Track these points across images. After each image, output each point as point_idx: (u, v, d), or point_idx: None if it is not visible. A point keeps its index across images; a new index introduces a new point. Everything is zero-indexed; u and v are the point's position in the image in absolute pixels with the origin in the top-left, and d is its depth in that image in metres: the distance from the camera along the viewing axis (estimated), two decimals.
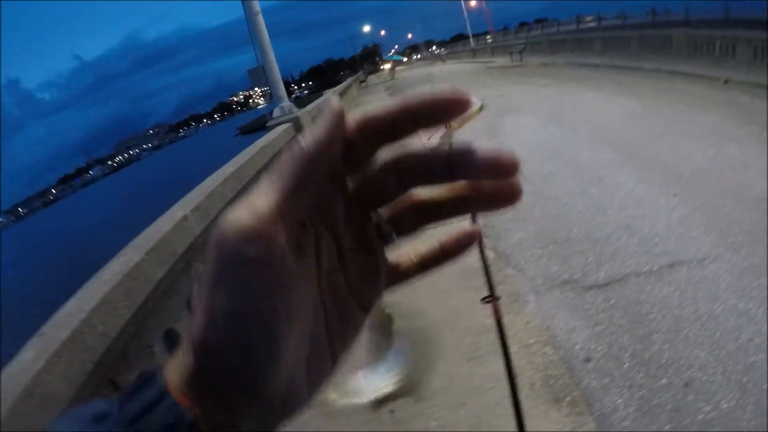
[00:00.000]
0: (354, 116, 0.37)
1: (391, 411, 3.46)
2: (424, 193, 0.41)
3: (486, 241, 5.57)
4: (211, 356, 0.33)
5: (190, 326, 0.34)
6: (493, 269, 4.80)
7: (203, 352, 0.33)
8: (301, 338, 0.36)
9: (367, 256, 0.42)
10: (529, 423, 3.12)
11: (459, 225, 0.44)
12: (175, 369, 0.34)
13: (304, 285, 0.35)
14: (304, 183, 0.33)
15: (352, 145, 0.37)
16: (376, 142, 0.38)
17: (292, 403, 0.36)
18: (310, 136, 0.34)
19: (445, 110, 0.37)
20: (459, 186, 0.40)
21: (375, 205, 0.41)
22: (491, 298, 2.70)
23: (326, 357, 0.40)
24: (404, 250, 0.44)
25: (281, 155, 0.36)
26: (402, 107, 0.37)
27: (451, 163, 0.38)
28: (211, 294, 0.32)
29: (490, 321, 3.98)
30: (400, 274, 0.44)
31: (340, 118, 0.35)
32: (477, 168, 0.38)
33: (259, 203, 0.32)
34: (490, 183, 0.40)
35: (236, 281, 0.32)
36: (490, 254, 5.14)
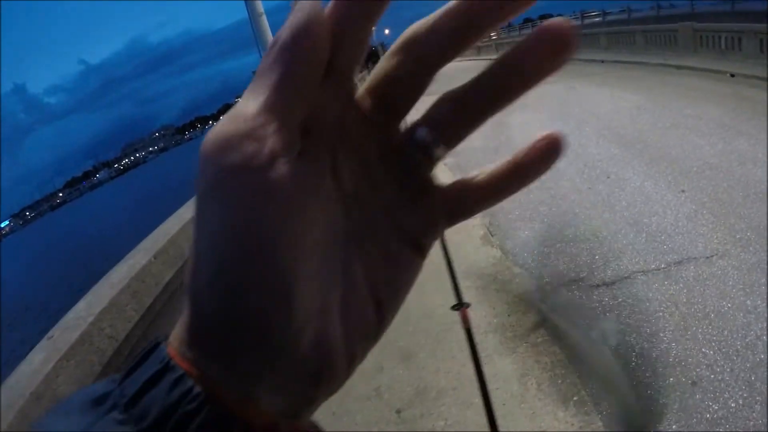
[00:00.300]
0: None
1: (398, 411, 3.46)
2: (458, 88, 0.32)
3: (492, 240, 5.57)
4: (205, 303, 0.27)
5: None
6: (499, 268, 4.83)
7: (196, 299, 0.28)
8: (324, 277, 0.29)
9: (407, 176, 0.33)
10: (536, 422, 3.14)
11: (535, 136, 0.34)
12: (177, 333, 0.29)
13: (312, 201, 0.28)
14: (293, 73, 0.27)
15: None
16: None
17: (326, 366, 0.29)
18: (296, 19, 0.27)
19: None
20: (502, 58, 0.31)
21: (400, 107, 0.33)
22: (460, 305, 2.70)
23: (368, 306, 0.32)
24: (468, 173, 0.35)
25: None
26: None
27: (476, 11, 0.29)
28: (198, 221, 0.27)
29: (498, 320, 4.03)
30: (464, 203, 0.35)
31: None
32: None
33: (243, 106, 0.27)
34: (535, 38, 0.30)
35: (220, 197, 0.26)
36: (497, 253, 5.15)
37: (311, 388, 0.29)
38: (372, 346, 0.34)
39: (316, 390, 0.30)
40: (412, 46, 0.31)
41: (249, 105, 0.27)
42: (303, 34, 0.27)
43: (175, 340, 0.28)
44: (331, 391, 0.31)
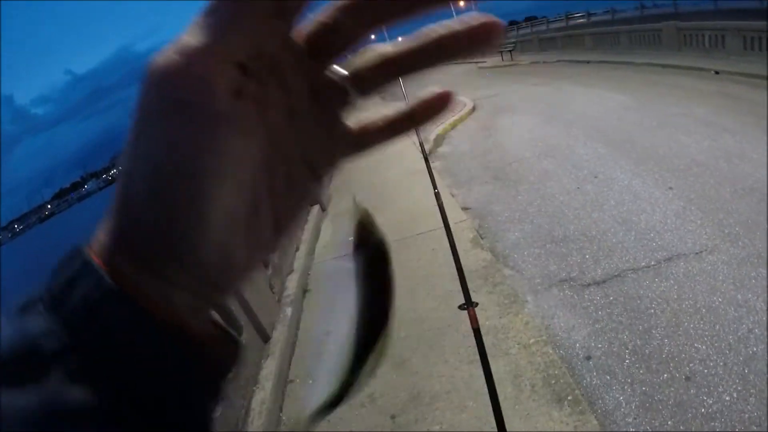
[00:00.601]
0: None
1: (393, 417, 3.45)
2: (387, 46, 0.35)
3: (482, 242, 5.57)
4: (133, 212, 0.30)
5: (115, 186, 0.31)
6: (490, 270, 4.83)
7: (124, 208, 0.31)
8: (237, 198, 0.32)
9: (322, 115, 0.37)
10: (531, 423, 3.14)
11: (428, 89, 0.38)
12: (100, 237, 0.32)
13: (243, 137, 0.31)
14: (241, 14, 0.29)
15: None
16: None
17: (228, 273, 0.34)
18: None
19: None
20: (427, 32, 0.34)
21: (330, 55, 0.35)
22: (468, 305, 2.69)
23: (268, 224, 0.36)
24: (367, 115, 0.39)
25: None
26: None
27: None
28: (133, 140, 0.30)
29: (490, 323, 4.03)
30: (361, 141, 0.39)
31: None
32: None
33: (191, 40, 0.28)
34: (464, 24, 0.33)
35: (159, 123, 0.29)
36: (487, 255, 5.15)
37: (214, 291, 0.34)
38: (266, 257, 0.37)
39: (217, 293, 0.34)
40: (351, 8, 0.33)
41: (196, 39, 0.28)
42: None
43: (96, 246, 0.31)
44: (228, 295, 0.36)
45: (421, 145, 4.75)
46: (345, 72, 0.36)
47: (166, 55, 0.29)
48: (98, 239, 0.31)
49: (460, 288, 2.96)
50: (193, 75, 0.28)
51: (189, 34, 0.29)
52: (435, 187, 3.64)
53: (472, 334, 3.84)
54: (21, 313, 0.30)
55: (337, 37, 0.34)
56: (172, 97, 0.29)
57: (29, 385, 0.27)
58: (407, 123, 0.38)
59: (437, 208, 3.57)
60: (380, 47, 0.35)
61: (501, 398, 3.19)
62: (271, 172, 0.35)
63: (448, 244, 3.26)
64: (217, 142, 0.30)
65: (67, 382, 0.27)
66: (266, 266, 5.27)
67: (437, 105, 0.37)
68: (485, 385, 2.59)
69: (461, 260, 3.11)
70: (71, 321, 0.29)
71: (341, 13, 0.33)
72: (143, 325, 0.30)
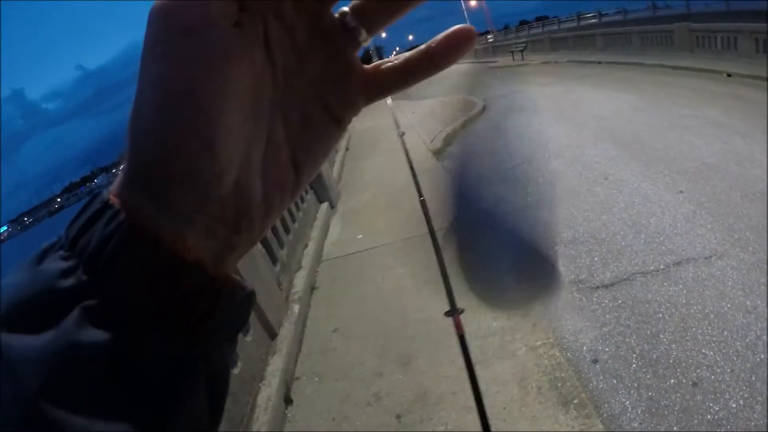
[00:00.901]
0: None
1: (398, 416, 3.46)
2: None
3: None
4: (144, 143, 0.31)
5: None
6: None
7: (136, 140, 0.31)
8: (247, 130, 0.33)
9: (333, 56, 0.37)
10: (537, 426, 3.14)
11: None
12: (118, 180, 0.32)
13: (246, 64, 0.32)
14: None
15: None
16: None
17: (245, 211, 0.34)
18: None
19: None
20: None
21: None
22: (453, 311, 2.69)
23: (286, 167, 0.37)
24: (386, 58, 0.39)
25: None
26: None
27: None
28: (142, 72, 0.31)
29: (496, 324, 4.02)
30: (380, 83, 0.39)
31: None
32: None
33: None
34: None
35: (163, 52, 0.30)
36: None
37: (233, 235, 0.33)
38: (288, 203, 0.38)
39: (236, 237, 0.34)
40: None
41: None
42: None
43: (115, 186, 0.32)
44: (251, 241, 0.35)
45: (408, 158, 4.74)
46: (349, 12, 0.37)
47: None
48: (118, 181, 0.32)
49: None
50: (190, 5, 0.30)
51: None
52: (421, 195, 3.64)
53: (477, 336, 3.85)
54: (41, 257, 0.31)
55: None
56: (173, 25, 0.30)
57: (46, 324, 0.28)
58: (426, 64, 0.38)
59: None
60: None
61: (507, 400, 3.21)
62: (285, 110, 0.36)
63: None
64: (219, 63, 0.30)
65: (83, 322, 0.28)
66: (275, 263, 5.29)
67: (458, 43, 0.37)
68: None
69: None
70: (88, 259, 0.30)
71: None
72: (158, 262, 0.30)
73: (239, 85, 0.31)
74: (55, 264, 0.30)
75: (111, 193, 0.31)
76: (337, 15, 0.37)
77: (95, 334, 0.28)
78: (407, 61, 0.38)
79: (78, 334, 0.28)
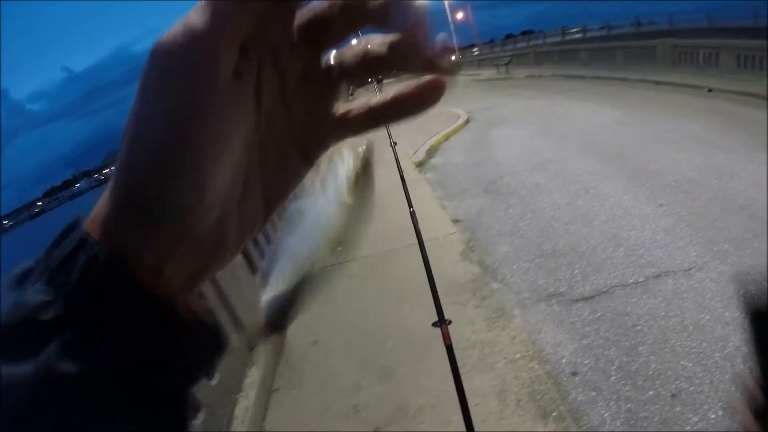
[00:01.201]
0: None
1: (377, 430, 3.43)
2: (378, 41, 0.36)
3: (472, 255, 5.56)
4: (131, 180, 0.31)
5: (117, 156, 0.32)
6: (479, 284, 4.82)
7: (124, 176, 0.31)
8: (232, 174, 0.34)
9: (313, 100, 0.38)
10: None
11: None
12: (98, 209, 0.32)
13: (240, 115, 0.33)
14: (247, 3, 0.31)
15: None
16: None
17: (220, 246, 0.35)
18: None
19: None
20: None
21: (324, 45, 0.37)
22: (441, 322, 2.68)
23: (259, 202, 0.38)
24: (357, 100, 0.40)
25: None
26: None
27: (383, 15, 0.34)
28: (136, 106, 0.31)
29: (476, 337, 4.02)
30: (350, 125, 0.40)
31: None
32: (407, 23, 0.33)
33: (196, 19, 0.30)
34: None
35: (164, 91, 0.30)
36: (476, 269, 5.14)
37: (205, 264, 0.35)
38: (256, 234, 0.40)
39: (208, 265, 0.35)
40: (346, 8, 0.34)
41: (204, 17, 0.29)
42: None
43: (94, 217, 0.32)
44: (219, 268, 0.37)
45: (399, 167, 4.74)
46: (334, 61, 0.37)
47: (173, 29, 0.30)
48: (96, 211, 0.32)
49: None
50: (198, 50, 0.29)
51: (196, 12, 0.30)
52: (410, 206, 3.64)
53: (457, 348, 3.83)
54: (18, 283, 0.31)
55: (331, 31, 0.36)
56: (176, 68, 0.30)
57: (25, 355, 0.28)
58: (392, 113, 0.38)
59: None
60: (369, 39, 0.36)
61: (486, 412, 3.19)
62: (263, 149, 0.37)
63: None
64: (217, 114, 0.30)
65: (62, 353, 0.28)
66: (256, 273, 5.26)
67: (428, 94, 0.37)
68: (467, 401, 2.57)
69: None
70: (68, 291, 0.30)
71: (335, 10, 0.34)
72: (137, 296, 0.30)
73: (234, 135, 0.32)
74: (36, 293, 0.30)
75: (91, 221, 0.32)
76: (323, 64, 0.38)
77: (72, 367, 0.28)
78: (376, 108, 0.38)
79: (56, 366, 0.28)
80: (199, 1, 0.30)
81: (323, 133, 0.40)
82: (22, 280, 0.31)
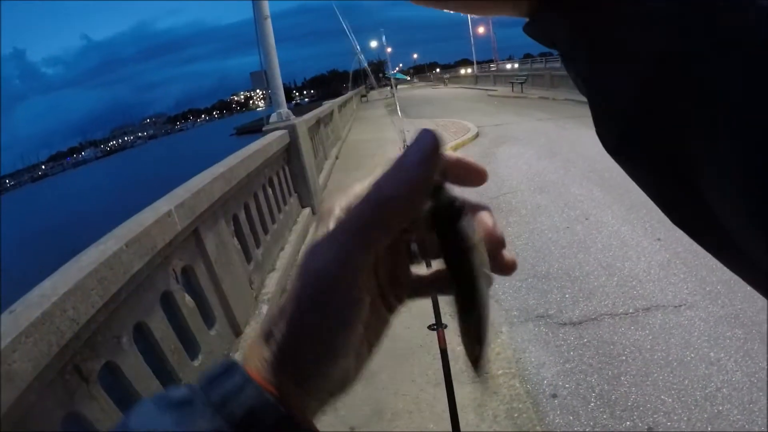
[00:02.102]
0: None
1: (352, 428, 3.45)
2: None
3: None
4: (291, 347, 0.38)
5: (272, 328, 0.39)
6: None
7: (285, 344, 0.38)
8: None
9: (396, 266, 0.47)
10: None
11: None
12: (255, 360, 0.38)
13: (368, 291, 0.41)
14: (395, 230, 0.39)
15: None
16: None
17: (346, 383, 0.42)
18: (411, 176, 0.38)
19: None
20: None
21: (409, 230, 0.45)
22: (438, 325, 2.71)
23: (365, 345, 0.44)
24: (425, 270, 0.49)
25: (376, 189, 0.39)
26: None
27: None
28: (295, 308, 0.38)
29: (461, 348, 4.01)
30: (420, 288, 0.49)
31: (436, 155, 0.40)
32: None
33: (351, 249, 0.38)
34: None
35: (320, 308, 0.37)
36: None
37: (337, 396, 0.42)
38: (366, 367, 0.46)
39: (339, 395, 0.43)
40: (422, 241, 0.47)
41: (355, 249, 0.38)
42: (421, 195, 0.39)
43: (255, 363, 0.38)
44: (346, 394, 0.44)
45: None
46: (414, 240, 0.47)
47: (324, 249, 0.38)
48: (252, 360, 0.39)
49: (438, 307, 2.96)
50: (343, 278, 0.37)
51: (346, 232, 0.39)
52: None
53: (437, 360, 3.85)
54: (179, 408, 0.35)
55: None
56: (323, 286, 0.37)
57: None
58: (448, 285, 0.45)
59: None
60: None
61: (462, 424, 3.20)
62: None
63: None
64: (358, 301, 0.39)
65: None
66: (249, 261, 5.27)
67: None
68: (444, 411, 2.59)
69: None
70: (237, 425, 0.35)
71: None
72: None
73: (364, 305, 0.40)
74: (206, 422, 0.35)
75: (249, 370, 0.38)
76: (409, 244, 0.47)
77: None
78: (437, 278, 0.48)
79: None
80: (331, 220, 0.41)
81: (403, 291, 0.48)
82: (183, 404, 0.36)
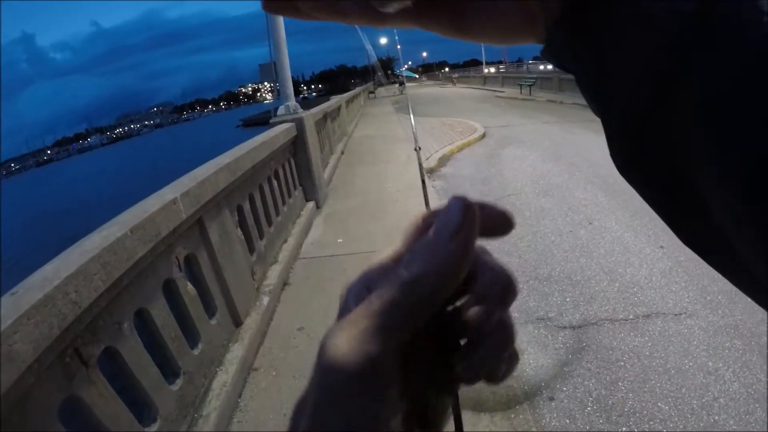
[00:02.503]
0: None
1: None
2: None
3: None
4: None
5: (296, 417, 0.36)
6: None
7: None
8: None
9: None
10: None
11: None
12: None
13: (395, 379, 0.36)
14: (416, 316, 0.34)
15: None
16: None
17: None
18: (442, 265, 0.34)
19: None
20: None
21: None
22: None
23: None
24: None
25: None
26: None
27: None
28: (320, 400, 0.34)
29: None
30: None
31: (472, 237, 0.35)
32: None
33: (372, 345, 0.34)
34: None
35: (344, 404, 0.33)
36: None
37: None
38: None
39: None
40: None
41: (377, 343, 0.33)
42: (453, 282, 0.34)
43: None
44: None
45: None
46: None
47: (347, 339, 0.34)
48: None
49: None
50: (365, 358, 0.32)
51: (369, 318, 0.34)
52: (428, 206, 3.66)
53: None
54: None
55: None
56: (347, 375, 0.33)
57: None
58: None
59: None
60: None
61: (467, 427, 3.20)
62: None
63: None
64: (384, 399, 0.33)
65: None
66: (252, 252, 5.27)
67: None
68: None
69: None
70: None
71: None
72: None
73: (393, 398, 0.35)
74: None
75: None
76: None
77: None
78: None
79: None
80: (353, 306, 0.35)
81: None
82: None
